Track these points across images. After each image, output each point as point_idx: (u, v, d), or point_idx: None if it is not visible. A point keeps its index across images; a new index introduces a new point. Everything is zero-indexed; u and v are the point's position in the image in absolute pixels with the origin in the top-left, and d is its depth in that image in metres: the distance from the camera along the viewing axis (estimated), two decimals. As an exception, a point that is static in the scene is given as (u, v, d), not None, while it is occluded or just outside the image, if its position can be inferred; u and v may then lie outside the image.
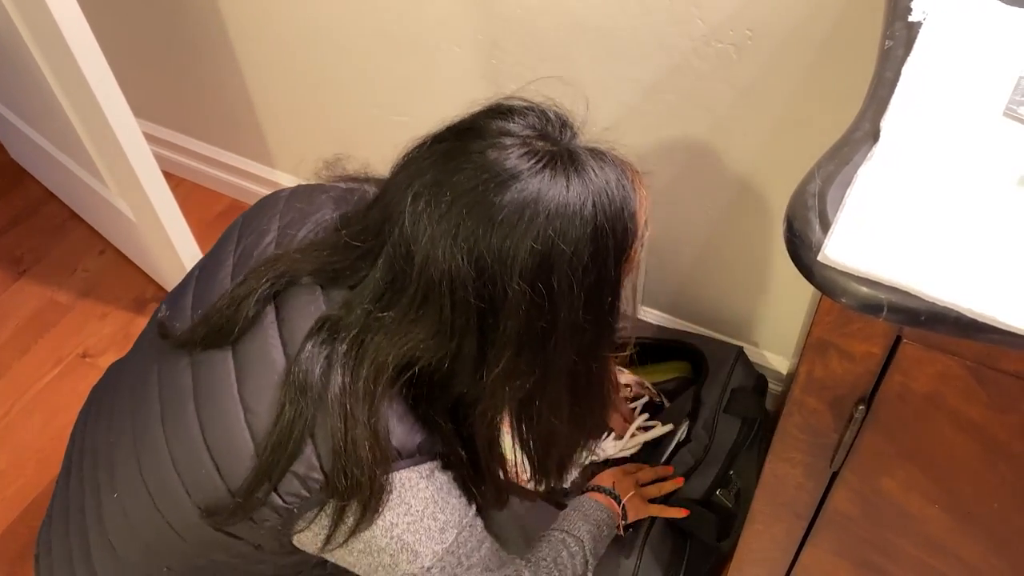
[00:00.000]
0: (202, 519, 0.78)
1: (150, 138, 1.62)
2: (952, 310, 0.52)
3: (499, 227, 0.70)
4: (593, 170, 0.74)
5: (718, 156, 1.27)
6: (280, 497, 0.74)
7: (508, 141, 0.73)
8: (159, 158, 1.57)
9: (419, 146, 0.78)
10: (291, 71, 1.63)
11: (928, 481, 0.71)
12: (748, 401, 1.36)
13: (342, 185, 0.94)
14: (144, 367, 0.89)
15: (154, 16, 1.73)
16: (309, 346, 0.75)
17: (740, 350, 1.44)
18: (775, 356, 1.53)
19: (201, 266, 0.94)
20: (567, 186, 0.72)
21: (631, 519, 1.16)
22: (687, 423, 1.37)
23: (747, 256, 1.40)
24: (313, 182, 0.96)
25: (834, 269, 0.54)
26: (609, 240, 0.74)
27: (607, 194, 0.74)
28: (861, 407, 0.67)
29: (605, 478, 1.18)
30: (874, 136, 0.61)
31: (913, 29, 0.69)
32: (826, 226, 0.56)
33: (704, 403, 1.37)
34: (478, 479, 0.85)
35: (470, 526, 0.83)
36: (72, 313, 1.85)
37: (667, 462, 1.32)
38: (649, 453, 1.35)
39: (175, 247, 1.62)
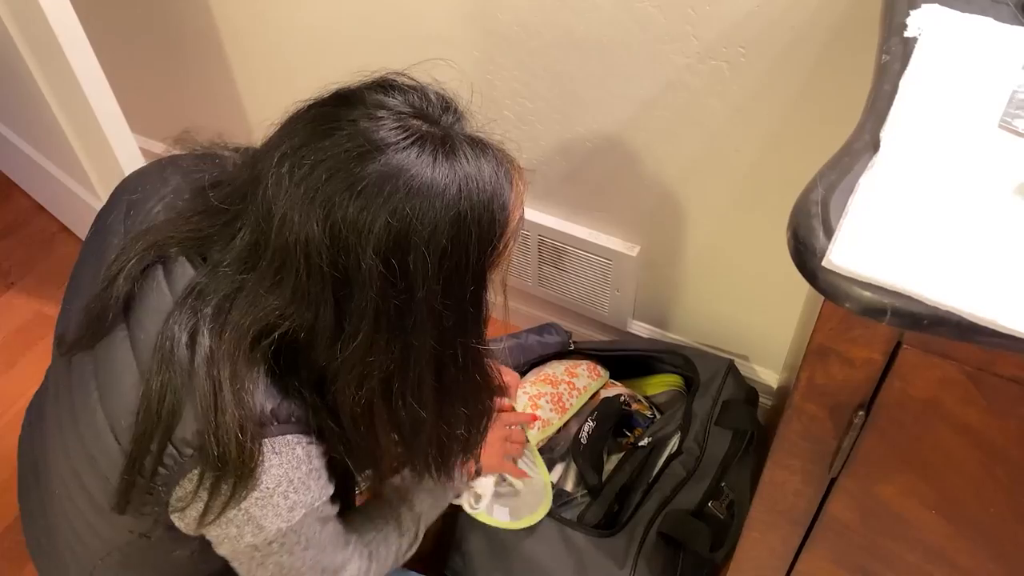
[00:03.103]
0: (110, 511, 0.78)
1: (144, 152, 1.62)
2: (954, 314, 0.53)
3: (357, 197, 0.69)
4: (466, 156, 0.73)
5: (710, 171, 1.28)
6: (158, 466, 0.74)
7: (382, 113, 0.72)
8: (152, 171, 1.57)
9: (299, 109, 0.77)
10: (287, 86, 1.64)
11: (926, 487, 0.73)
12: (739, 413, 1.37)
13: (197, 151, 0.91)
14: (53, 377, 0.90)
15: (150, 29, 1.74)
16: (177, 314, 0.74)
17: (731, 362, 1.45)
18: (765, 370, 1.55)
19: (73, 273, 0.92)
20: (433, 166, 0.71)
21: (483, 473, 1.16)
22: (678, 435, 1.37)
23: (738, 271, 1.41)
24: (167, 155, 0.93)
25: (838, 274, 0.56)
26: (472, 228, 0.73)
27: (476, 182, 0.72)
28: (861, 413, 0.68)
29: None
30: (874, 146, 0.63)
31: (909, 44, 0.71)
32: (829, 233, 0.57)
33: (695, 415, 1.38)
34: (351, 452, 0.83)
35: (320, 509, 0.81)
36: (60, 326, 1.83)
37: (659, 474, 1.33)
38: (641, 465, 1.36)
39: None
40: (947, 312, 0.53)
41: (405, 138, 0.71)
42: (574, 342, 1.55)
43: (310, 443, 0.79)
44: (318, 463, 0.80)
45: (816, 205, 0.59)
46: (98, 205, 1.67)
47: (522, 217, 0.81)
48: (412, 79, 0.79)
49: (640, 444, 1.39)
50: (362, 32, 1.43)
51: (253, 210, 0.74)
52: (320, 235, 0.69)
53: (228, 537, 0.78)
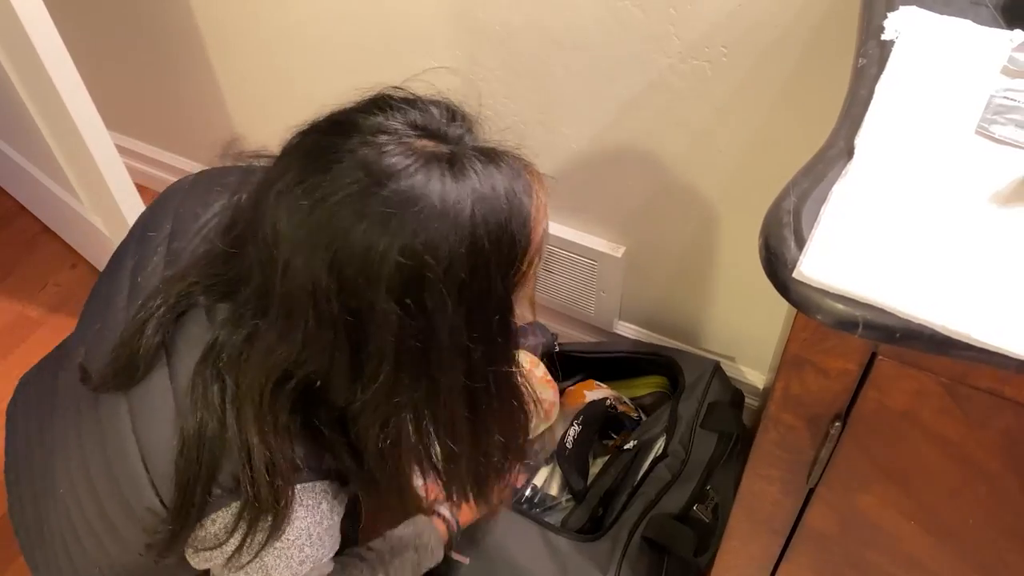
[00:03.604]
0: (146, 554, 0.78)
1: (123, 151, 1.60)
2: (927, 327, 0.52)
3: (363, 237, 0.63)
4: (477, 174, 0.66)
5: (694, 172, 1.27)
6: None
7: (383, 139, 0.66)
8: (132, 171, 1.56)
9: (293, 138, 0.72)
10: (269, 83, 1.62)
11: (904, 498, 0.71)
12: (724, 416, 1.36)
13: (242, 165, 0.88)
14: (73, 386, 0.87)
15: (127, 26, 1.72)
16: (204, 362, 0.73)
17: (716, 364, 1.44)
18: (751, 371, 1.54)
19: (102, 283, 0.90)
20: (442, 192, 0.64)
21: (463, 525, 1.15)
22: (664, 438, 1.36)
23: (723, 271, 1.40)
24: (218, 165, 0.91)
25: (809, 286, 0.54)
26: (492, 254, 0.67)
27: (491, 202, 0.66)
28: (837, 424, 0.67)
29: None
30: (848, 153, 0.61)
31: (886, 48, 0.69)
32: (801, 243, 0.56)
33: (681, 418, 1.37)
34: (375, 491, 0.81)
35: (324, 564, 0.82)
36: (43, 328, 1.81)
37: (644, 477, 1.32)
38: (626, 469, 1.35)
39: (148, 262, 1.60)
40: (920, 325, 0.52)
41: (410, 164, 0.65)
42: (559, 344, 1.54)
43: (335, 496, 0.78)
44: (337, 519, 0.80)
45: (788, 214, 0.58)
46: (77, 206, 1.67)
47: (546, 230, 0.75)
48: (411, 93, 0.73)
49: (625, 447, 1.38)
50: (344, 32, 1.41)
51: (256, 255, 0.69)
52: (328, 280, 0.64)
53: None
